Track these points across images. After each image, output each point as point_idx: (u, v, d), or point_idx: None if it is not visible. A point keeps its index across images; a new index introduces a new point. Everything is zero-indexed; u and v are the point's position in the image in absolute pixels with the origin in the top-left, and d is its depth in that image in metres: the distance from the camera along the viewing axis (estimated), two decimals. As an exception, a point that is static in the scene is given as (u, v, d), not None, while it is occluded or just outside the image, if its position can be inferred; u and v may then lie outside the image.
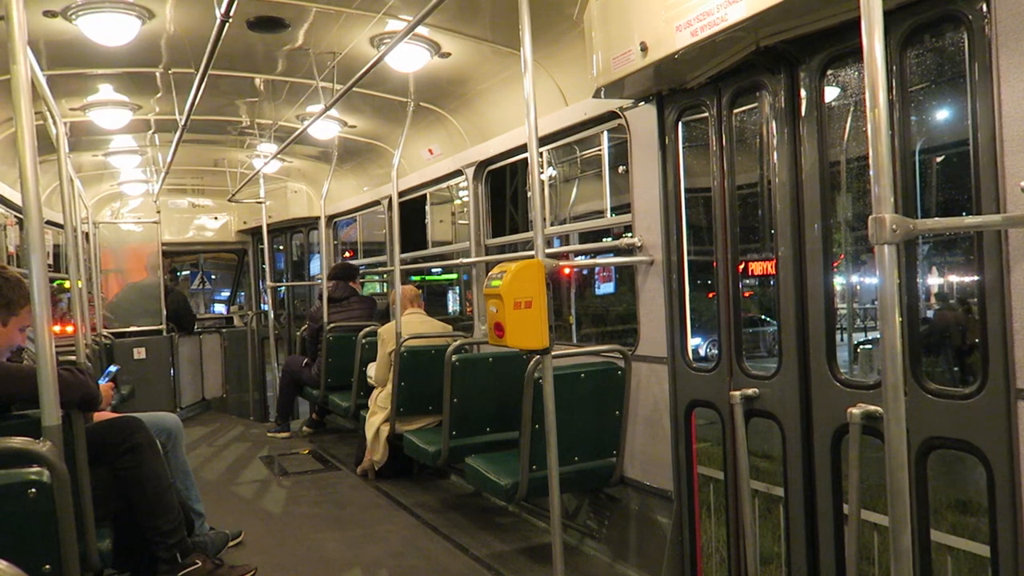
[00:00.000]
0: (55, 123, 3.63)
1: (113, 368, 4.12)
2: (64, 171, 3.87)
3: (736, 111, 3.18)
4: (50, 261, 7.26)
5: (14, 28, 2.04)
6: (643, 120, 3.67)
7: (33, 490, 1.79)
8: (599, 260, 7.38)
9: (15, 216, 6.45)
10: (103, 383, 3.55)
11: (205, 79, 4.06)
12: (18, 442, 1.88)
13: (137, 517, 3.22)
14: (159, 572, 3.27)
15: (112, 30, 3.92)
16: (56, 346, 2.10)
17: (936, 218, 1.83)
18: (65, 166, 3.89)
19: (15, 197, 6.19)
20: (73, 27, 3.93)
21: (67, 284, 6.99)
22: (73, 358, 3.71)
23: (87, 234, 7.90)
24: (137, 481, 3.18)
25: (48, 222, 6.59)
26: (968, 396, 2.31)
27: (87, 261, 7.16)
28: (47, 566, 1.86)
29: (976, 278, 2.30)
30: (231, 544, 4.12)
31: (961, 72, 2.33)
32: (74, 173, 6.04)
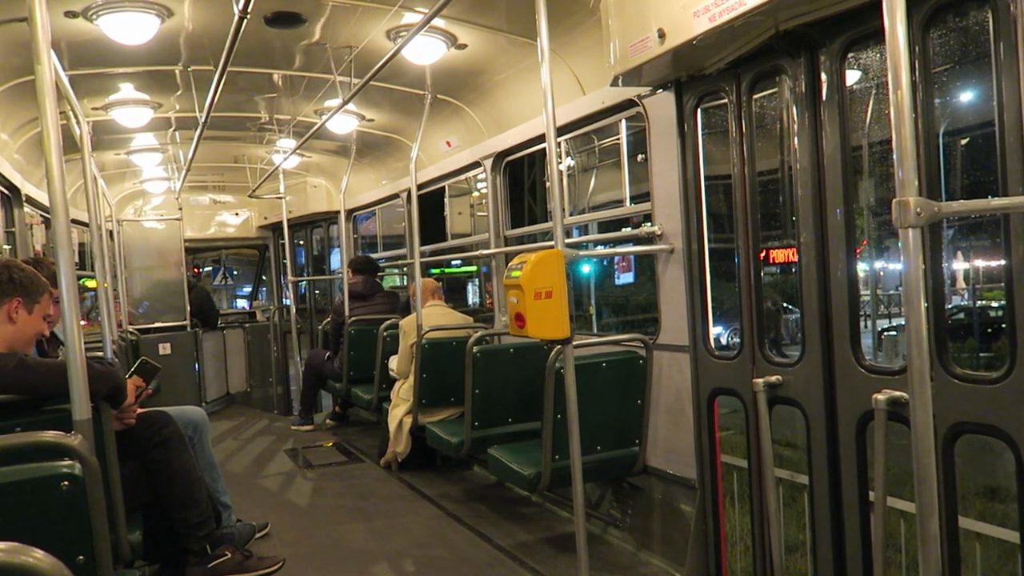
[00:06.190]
0: (79, 123, 3.68)
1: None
2: (88, 170, 3.93)
3: (756, 96, 3.14)
4: (76, 259, 7.37)
5: (37, 29, 2.07)
6: (661, 107, 3.64)
7: (66, 483, 1.83)
8: (619, 249, 7.35)
9: (41, 215, 6.55)
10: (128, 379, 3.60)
11: (224, 76, 4.09)
12: (50, 436, 1.92)
13: (167, 510, 3.27)
14: (189, 564, 3.32)
15: (132, 29, 3.96)
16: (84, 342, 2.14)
17: (961, 201, 1.80)
18: (89, 165, 3.94)
19: (40, 196, 6.28)
20: (94, 27, 3.97)
21: (91, 284, 7.11)
22: (100, 354, 3.78)
23: (111, 232, 8.01)
24: (167, 475, 3.23)
25: (73, 220, 6.68)
26: (995, 381, 2.28)
27: (112, 258, 7.26)
28: (80, 557, 1.89)
29: (1003, 262, 2.27)
30: (258, 536, 4.17)
31: (986, 52, 2.29)
32: (97, 172, 6.11)
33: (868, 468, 2.74)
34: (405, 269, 9.31)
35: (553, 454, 3.61)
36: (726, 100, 3.24)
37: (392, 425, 5.51)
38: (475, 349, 4.49)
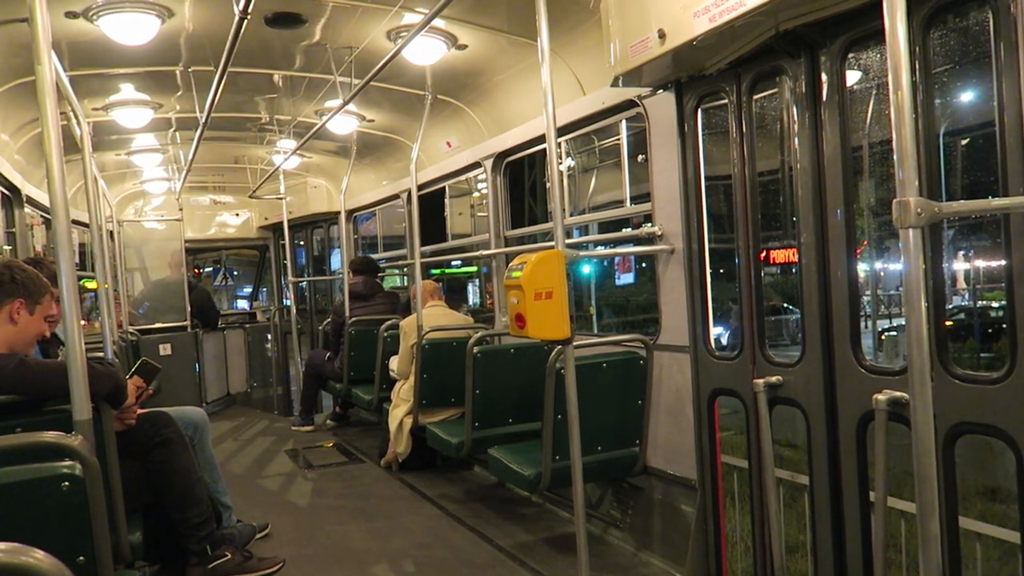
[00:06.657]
0: (79, 123, 3.68)
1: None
2: (89, 171, 3.93)
3: (756, 97, 3.14)
4: (76, 260, 7.37)
5: (38, 30, 2.07)
6: (662, 108, 3.64)
7: (66, 483, 1.83)
8: (619, 250, 7.36)
9: (41, 216, 6.55)
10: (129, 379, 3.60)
11: (224, 76, 4.09)
12: (51, 436, 1.92)
13: (167, 510, 3.27)
14: (189, 564, 3.32)
15: (133, 29, 3.96)
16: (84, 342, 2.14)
17: (962, 201, 1.80)
18: (90, 166, 3.94)
19: (40, 197, 6.28)
20: (94, 27, 3.97)
21: (91, 284, 7.12)
22: (101, 355, 3.78)
23: (112, 232, 8.01)
24: (167, 475, 3.23)
25: (74, 221, 6.68)
26: (996, 381, 2.28)
27: (112, 259, 7.26)
28: (81, 558, 1.89)
29: (1003, 262, 2.27)
30: (258, 536, 4.18)
31: (986, 52, 2.29)
32: (98, 172, 6.12)
33: (868, 468, 2.74)
34: (405, 269, 9.31)
35: (553, 454, 3.61)
36: (726, 100, 3.24)
37: (392, 425, 5.51)
38: (475, 349, 4.49)
